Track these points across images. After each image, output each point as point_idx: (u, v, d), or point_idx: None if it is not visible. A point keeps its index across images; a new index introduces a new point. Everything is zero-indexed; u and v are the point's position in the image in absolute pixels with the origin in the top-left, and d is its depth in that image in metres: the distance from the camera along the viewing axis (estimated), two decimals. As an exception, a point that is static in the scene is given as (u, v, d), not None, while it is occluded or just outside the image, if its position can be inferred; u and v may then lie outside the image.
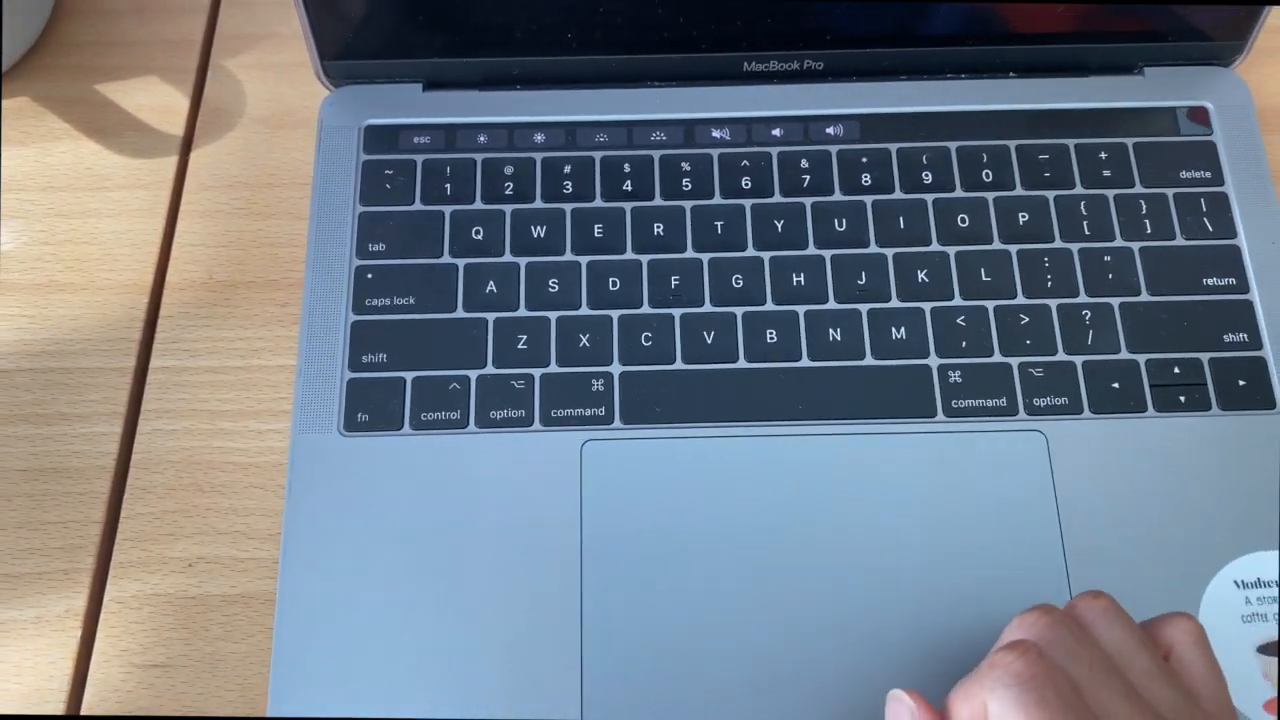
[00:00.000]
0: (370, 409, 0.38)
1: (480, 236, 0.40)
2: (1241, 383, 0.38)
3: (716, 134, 0.42)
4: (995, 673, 0.27)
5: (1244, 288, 0.40)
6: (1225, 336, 0.39)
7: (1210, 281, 0.40)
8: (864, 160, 0.41)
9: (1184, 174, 0.41)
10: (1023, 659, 0.27)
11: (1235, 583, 0.36)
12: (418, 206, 0.41)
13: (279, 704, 0.35)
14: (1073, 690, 0.27)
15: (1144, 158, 0.41)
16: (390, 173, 0.41)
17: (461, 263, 0.40)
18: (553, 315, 0.39)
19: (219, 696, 0.36)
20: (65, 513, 0.38)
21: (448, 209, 0.41)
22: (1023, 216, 0.40)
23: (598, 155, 0.41)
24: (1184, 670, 0.30)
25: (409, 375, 0.38)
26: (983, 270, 0.40)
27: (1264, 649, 0.35)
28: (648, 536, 0.36)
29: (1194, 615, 0.32)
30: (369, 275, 0.40)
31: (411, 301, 0.39)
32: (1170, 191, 0.41)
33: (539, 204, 0.41)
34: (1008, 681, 0.27)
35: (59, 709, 0.35)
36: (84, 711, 0.35)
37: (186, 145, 0.44)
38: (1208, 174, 0.41)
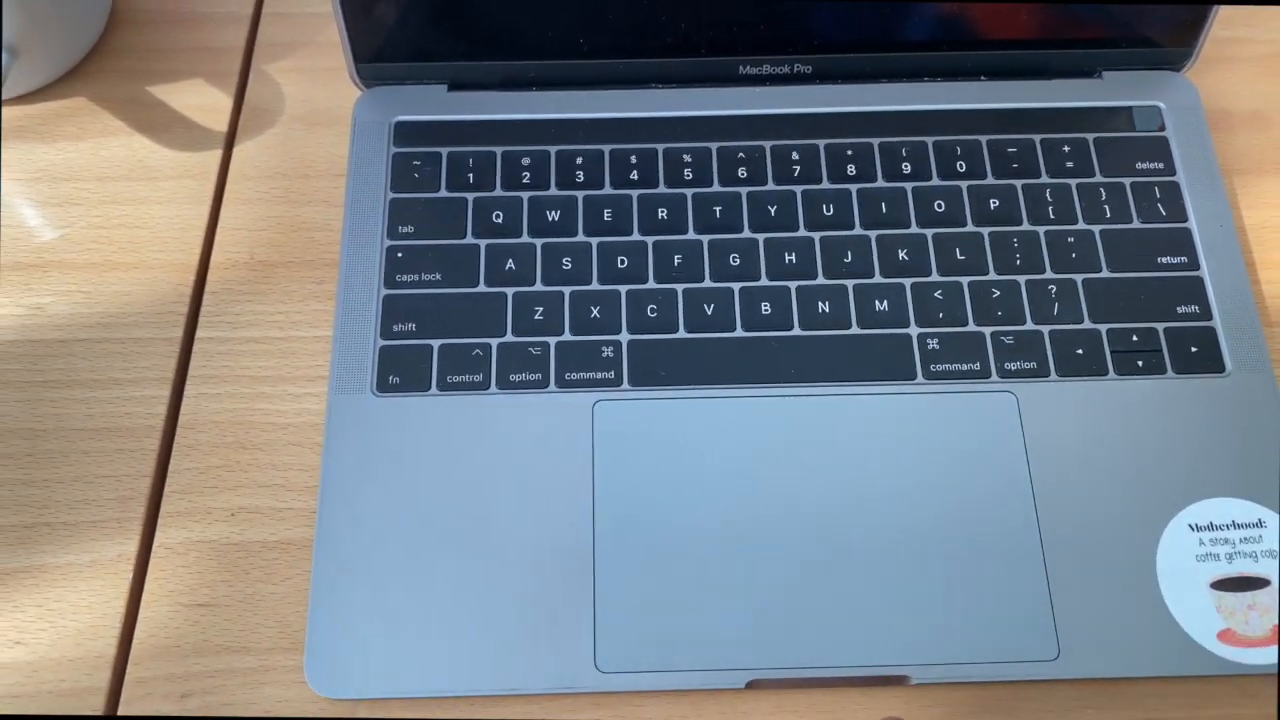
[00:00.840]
0: (400, 372, 0.41)
1: (500, 220, 0.44)
2: (1193, 349, 0.42)
3: (715, 129, 0.46)
4: None
5: (1195, 265, 0.44)
6: (1178, 308, 0.43)
7: (1164, 260, 0.44)
8: (849, 153, 0.45)
9: (1139, 165, 0.45)
10: None
11: (1189, 526, 0.39)
12: (443, 193, 0.45)
13: (316, 639, 0.38)
14: None
15: (1103, 151, 0.46)
16: (418, 163, 0.45)
17: (483, 243, 0.44)
18: (566, 290, 0.43)
19: (259, 632, 0.39)
20: (118, 468, 0.41)
21: (470, 195, 0.45)
22: (993, 202, 0.45)
23: (606, 148, 0.45)
24: None
25: (436, 343, 0.42)
26: (958, 250, 0.44)
27: (1217, 584, 0.38)
28: (653, 485, 0.40)
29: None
30: (399, 254, 0.43)
31: (438, 277, 0.43)
32: (1127, 180, 0.45)
33: (554, 191, 0.45)
34: None
35: (112, 644, 0.38)
36: (135, 643, 0.38)
37: (230, 140, 0.47)
38: (1161, 165, 0.45)
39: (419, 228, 0.44)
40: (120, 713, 0.38)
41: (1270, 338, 0.43)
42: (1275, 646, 0.37)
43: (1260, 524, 0.39)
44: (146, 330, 0.44)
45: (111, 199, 0.46)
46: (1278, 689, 0.38)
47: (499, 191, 0.45)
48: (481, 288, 0.43)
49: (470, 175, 0.45)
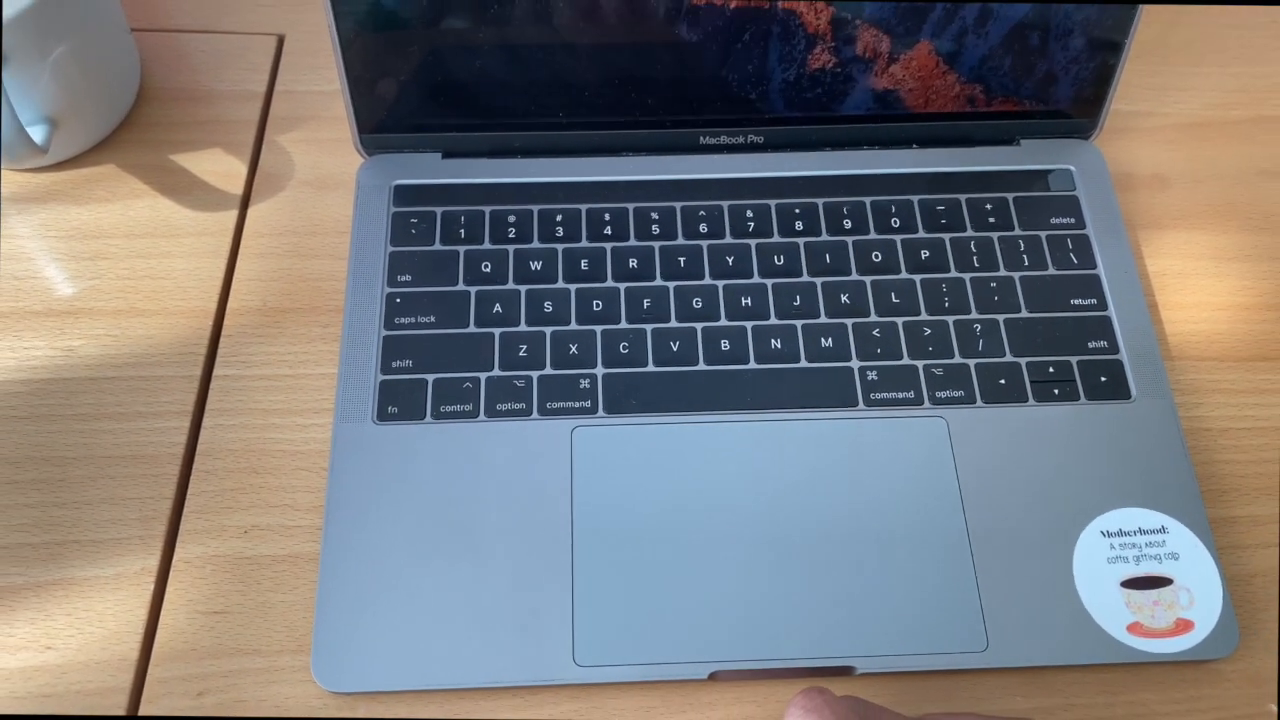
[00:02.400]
0: (399, 403, 0.46)
1: (488, 270, 0.50)
2: (1103, 379, 0.47)
3: (679, 191, 0.52)
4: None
5: (1103, 306, 0.49)
6: (1089, 344, 0.48)
7: (1076, 302, 0.49)
8: (797, 211, 0.51)
9: (1053, 220, 0.51)
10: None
11: (1101, 532, 0.44)
12: (437, 247, 0.50)
13: (321, 639, 0.42)
14: None
15: (1021, 208, 0.52)
16: (415, 221, 0.51)
17: (473, 290, 0.49)
18: (548, 330, 0.48)
19: (269, 636, 0.43)
20: (141, 490, 0.46)
21: (462, 248, 0.50)
22: (924, 253, 0.50)
23: (584, 207, 0.51)
24: None
25: (430, 377, 0.47)
26: (893, 294, 0.49)
27: (1126, 583, 0.43)
28: (625, 500, 0.44)
29: None
30: (398, 300, 0.49)
31: (433, 320, 0.48)
32: (1043, 234, 0.51)
33: (536, 244, 0.50)
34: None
35: (135, 648, 0.42)
36: (156, 647, 0.42)
37: (244, 202, 0.53)
38: (1072, 220, 0.51)
39: (415, 277, 0.49)
40: (142, 711, 0.41)
41: (1170, 369, 0.49)
42: (1178, 637, 0.42)
43: (1163, 530, 0.44)
44: (168, 369, 0.48)
45: (137, 253, 0.51)
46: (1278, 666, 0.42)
47: (487, 245, 0.50)
48: (471, 328, 0.48)
49: (462, 231, 0.50)
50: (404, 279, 0.49)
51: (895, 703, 0.41)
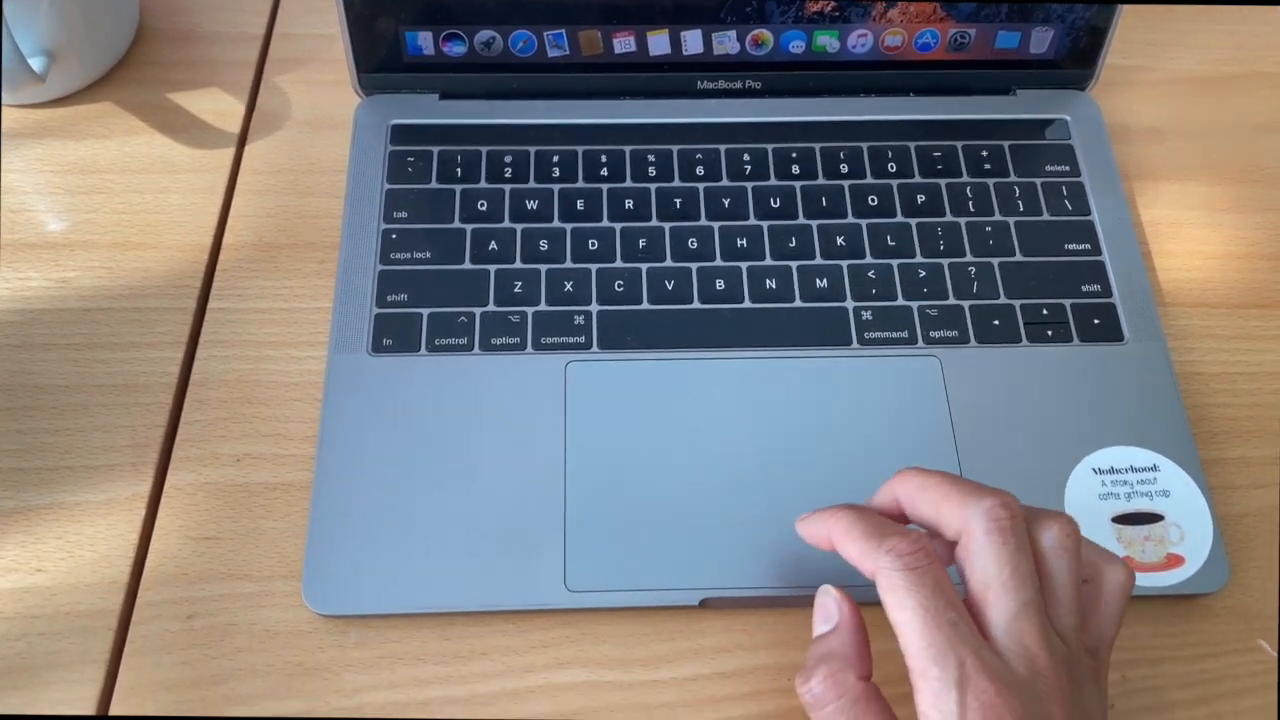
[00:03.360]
0: (393, 335, 0.46)
1: (484, 208, 0.50)
2: (1096, 321, 0.48)
3: (676, 135, 0.52)
4: (887, 557, 0.33)
5: (1097, 252, 0.50)
6: (1083, 287, 0.49)
7: (1070, 247, 0.50)
8: (793, 155, 0.52)
9: (1048, 168, 0.52)
10: (912, 554, 0.33)
11: (1093, 470, 0.44)
12: (434, 185, 0.50)
13: (313, 563, 0.42)
14: (950, 596, 0.32)
15: (1017, 156, 0.52)
16: (412, 160, 0.51)
17: (469, 228, 0.49)
18: (543, 268, 0.48)
19: (260, 562, 0.43)
20: (134, 419, 0.46)
21: (458, 187, 0.50)
22: (920, 198, 0.51)
23: (580, 149, 0.51)
24: (1095, 603, 0.35)
25: (425, 311, 0.47)
26: (888, 237, 0.49)
27: (1117, 519, 0.43)
28: (619, 431, 0.44)
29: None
30: (393, 236, 0.49)
31: (428, 256, 0.48)
32: (1038, 181, 0.51)
33: (533, 184, 0.50)
34: (896, 566, 0.33)
35: (125, 572, 0.42)
36: (146, 571, 0.42)
37: (242, 141, 0.53)
38: (1067, 168, 0.52)
39: (411, 214, 0.49)
40: (132, 631, 0.41)
41: (1164, 315, 0.49)
42: (1169, 571, 0.42)
43: (1155, 468, 0.44)
44: (163, 301, 0.48)
45: (133, 189, 0.51)
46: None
47: (484, 184, 0.50)
48: (467, 265, 0.48)
49: (458, 170, 0.50)
50: (400, 216, 0.49)
51: (886, 633, 0.41)
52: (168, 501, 0.44)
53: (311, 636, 0.41)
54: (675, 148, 0.52)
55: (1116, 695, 0.41)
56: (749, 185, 0.51)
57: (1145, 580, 0.42)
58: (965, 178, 0.51)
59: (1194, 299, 0.50)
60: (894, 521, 0.35)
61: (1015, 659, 0.32)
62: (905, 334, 0.47)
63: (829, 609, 0.36)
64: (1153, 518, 0.43)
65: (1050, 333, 0.47)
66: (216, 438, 0.45)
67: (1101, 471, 0.44)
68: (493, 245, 0.49)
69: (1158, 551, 0.43)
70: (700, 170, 0.51)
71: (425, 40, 0.51)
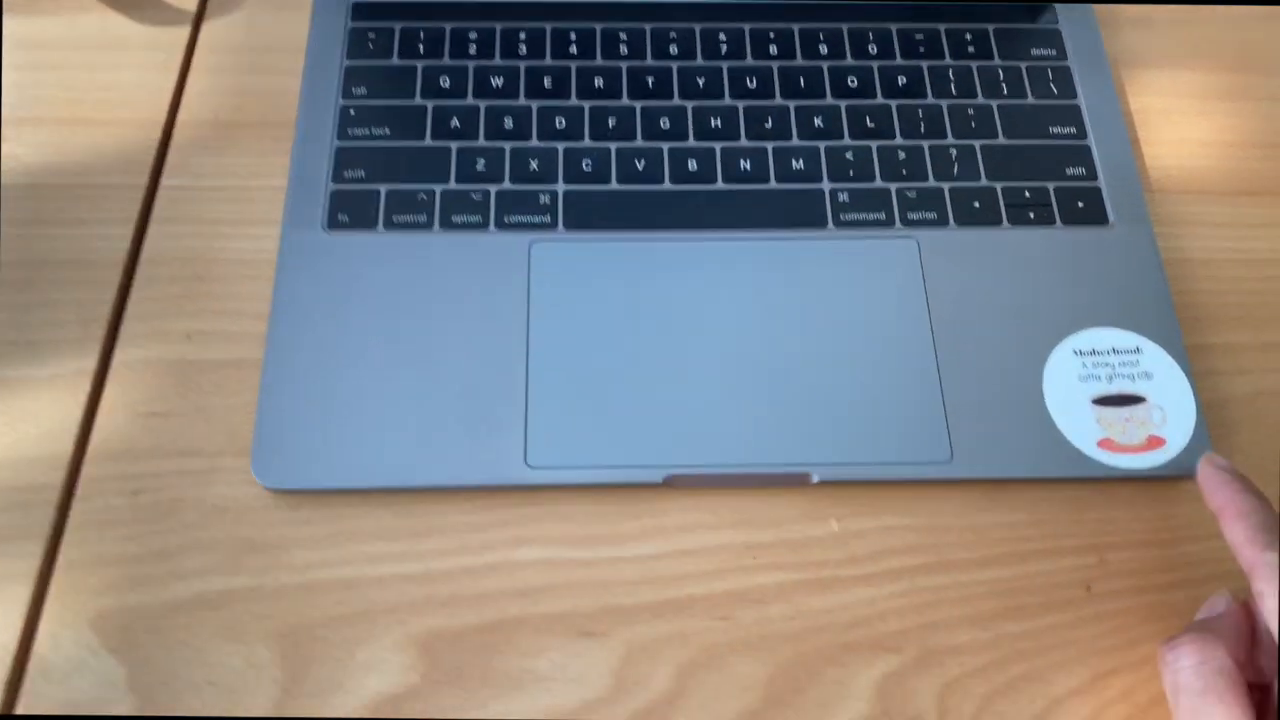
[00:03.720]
0: (350, 212, 0.45)
1: (447, 85, 0.48)
2: (1080, 204, 0.46)
3: (649, 13, 0.50)
4: None
5: (1083, 135, 0.48)
6: (1067, 170, 0.47)
7: (1055, 130, 0.48)
8: (771, 35, 0.50)
9: (1034, 52, 0.50)
10: None
11: (1074, 351, 0.43)
12: (395, 62, 0.48)
13: (262, 441, 0.40)
14: None
15: (1001, 39, 0.50)
16: (373, 35, 0.49)
17: (431, 104, 0.47)
18: (507, 145, 0.46)
19: (210, 439, 0.41)
20: (81, 294, 0.44)
21: (420, 63, 0.48)
22: (901, 79, 0.49)
23: (549, 25, 0.49)
24: None
25: (383, 187, 0.45)
26: (868, 118, 0.48)
27: (1097, 401, 0.42)
28: (585, 310, 0.43)
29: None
30: (352, 112, 0.47)
31: (388, 132, 0.47)
32: (1023, 64, 0.49)
33: (498, 61, 0.48)
34: None
35: (69, 447, 0.41)
36: (91, 447, 0.41)
37: (198, 19, 0.51)
38: (1054, 52, 0.50)
39: (371, 90, 0.47)
40: (75, 507, 0.40)
41: (1151, 201, 0.47)
42: (1149, 453, 0.41)
43: (1138, 350, 0.43)
44: (114, 177, 0.46)
45: (84, 65, 0.49)
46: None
47: (447, 60, 0.48)
48: (428, 141, 0.46)
49: (421, 46, 0.48)
50: (359, 92, 0.47)
51: (854, 513, 0.40)
52: (115, 377, 0.42)
53: (261, 513, 0.40)
54: (648, 25, 0.50)
55: (1094, 578, 0.40)
56: (725, 65, 0.49)
57: (1125, 462, 0.41)
58: (948, 60, 0.49)
59: (1183, 186, 0.48)
60: None
61: None
62: (883, 215, 0.45)
63: (1216, 603, 0.37)
64: (1134, 400, 0.42)
65: (1032, 215, 0.46)
66: (167, 314, 0.44)
67: (1082, 353, 0.43)
68: (455, 122, 0.47)
69: (1138, 433, 0.41)
70: (674, 49, 0.49)
71: (387, -89, 0.49)
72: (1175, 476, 0.41)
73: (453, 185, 0.45)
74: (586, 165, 0.46)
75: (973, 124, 0.48)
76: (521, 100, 0.47)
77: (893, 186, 0.46)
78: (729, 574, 0.40)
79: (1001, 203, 0.46)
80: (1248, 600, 0.36)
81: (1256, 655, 0.35)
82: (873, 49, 0.49)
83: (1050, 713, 0.38)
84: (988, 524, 0.41)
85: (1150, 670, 0.38)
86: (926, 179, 0.46)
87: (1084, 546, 0.40)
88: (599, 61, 0.49)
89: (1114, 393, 0.42)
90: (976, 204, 0.46)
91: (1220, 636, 0.34)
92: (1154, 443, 0.41)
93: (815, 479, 0.40)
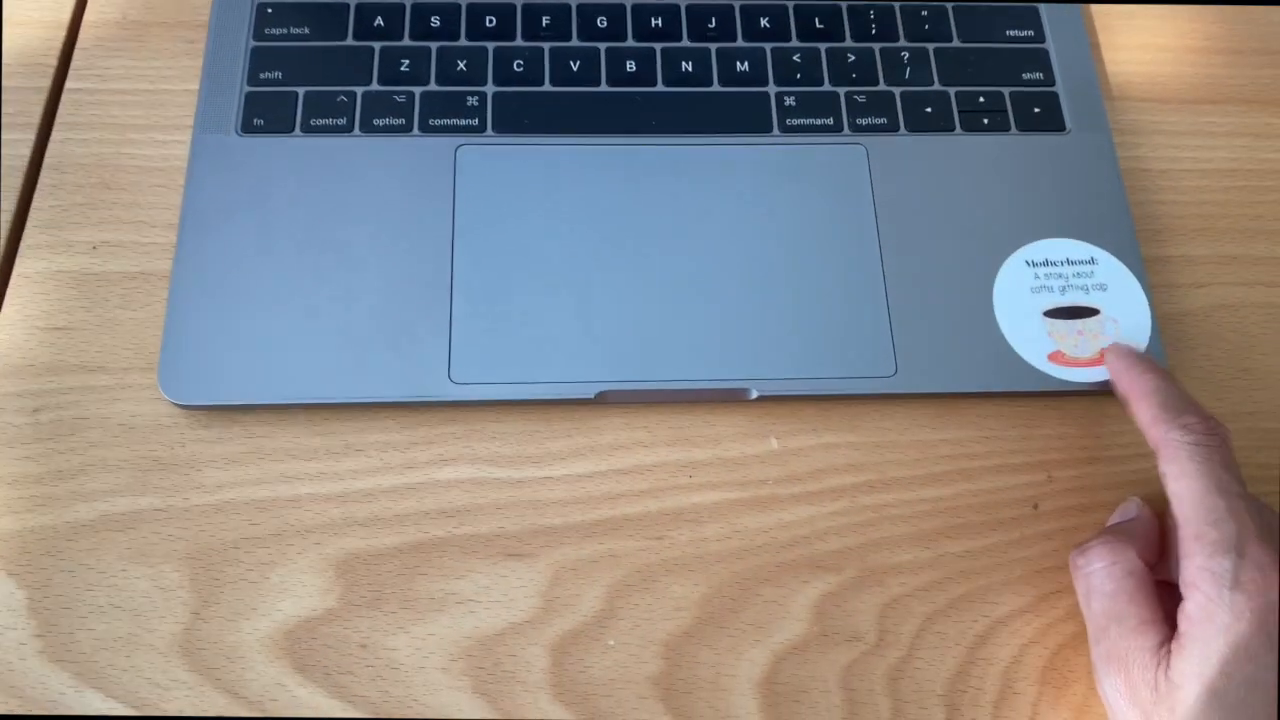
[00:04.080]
0: (265, 115, 0.42)
1: (371, -19, 0.45)
2: (1036, 110, 0.44)
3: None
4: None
5: (1040, 39, 0.46)
6: (1024, 75, 0.45)
7: (1012, 33, 0.46)
8: (716, -69, 0.47)
9: (993, -49, 0.47)
10: (1206, 433, 0.33)
11: (1026, 262, 0.41)
12: (316, -43, 0.45)
13: (170, 355, 0.38)
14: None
15: (959, -64, 0.47)
16: (292, -71, 0.46)
17: (354, 2, 0.44)
18: (433, 45, 0.44)
19: (116, 354, 0.39)
20: (-22, 203, 0.41)
21: (342, -42, 0.45)
22: (853, -22, 0.46)
23: (480, -81, 0.46)
24: None
25: (301, 90, 0.43)
26: (816, 19, 0.45)
27: (1049, 313, 0.40)
28: (513, 222, 0.40)
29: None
30: (269, 10, 0.44)
31: (306, 31, 0.44)
32: (981, -37, 0.47)
33: (426, -45, 0.45)
34: (1185, 440, 0.33)
35: (-35, 363, 0.38)
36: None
37: (105, -89, 0.48)
38: (1013, -48, 0.47)
39: (290, -13, 0.44)
40: (-29, 425, 0.38)
41: (1110, 109, 0.45)
42: (1100, 367, 0.39)
43: (1092, 261, 0.41)
44: (14, 80, 0.44)
45: (-19, -40, 0.46)
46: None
47: (371, -45, 0.45)
48: (349, 41, 0.44)
49: (343, -60, 0.45)
50: (277, -11, 0.44)
51: (795, 430, 0.39)
52: (15, 290, 0.40)
53: (170, 430, 0.38)
54: (585, -78, 0.47)
55: (1043, 495, 0.39)
56: (667, -38, 0.46)
57: (1076, 375, 0.39)
58: (902, -42, 0.47)
59: (1144, 93, 0.46)
60: (1196, 401, 0.35)
61: None
62: (830, 121, 0.43)
63: (1128, 509, 0.37)
64: (1088, 311, 0.40)
65: (986, 121, 0.44)
66: (71, 224, 0.41)
67: (1035, 264, 0.41)
68: (378, 21, 0.44)
69: (1090, 346, 0.40)
70: (613, -55, 0.46)
71: None
72: (1127, 391, 0.39)
73: (375, 87, 0.43)
74: (518, 66, 0.43)
75: (926, 26, 0.45)
76: (449, -2, 0.45)
77: (841, 91, 0.44)
78: (664, 493, 0.38)
79: (955, 108, 0.44)
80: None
81: (1166, 555, 0.35)
82: (822, -53, 0.47)
83: (993, 633, 0.36)
84: (933, 440, 0.39)
85: (1096, 588, 0.37)
86: (877, 83, 0.44)
87: (1032, 464, 0.39)
88: (533, -43, 0.46)
89: (1066, 304, 0.40)
90: (928, 110, 0.44)
91: (1130, 539, 0.34)
92: (1105, 358, 0.39)
93: (754, 394, 0.38)
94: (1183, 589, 0.32)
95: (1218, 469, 0.32)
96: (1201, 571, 0.31)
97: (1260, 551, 0.30)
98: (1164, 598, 0.33)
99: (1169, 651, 0.31)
